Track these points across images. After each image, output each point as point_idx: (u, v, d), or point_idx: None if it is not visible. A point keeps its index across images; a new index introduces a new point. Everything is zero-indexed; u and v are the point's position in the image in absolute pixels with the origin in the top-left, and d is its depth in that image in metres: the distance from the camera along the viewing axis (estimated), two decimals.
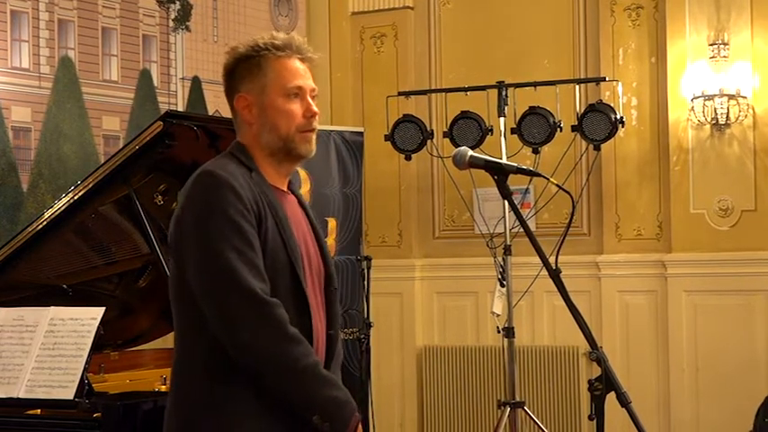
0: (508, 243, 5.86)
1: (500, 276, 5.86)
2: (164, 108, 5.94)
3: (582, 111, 6.03)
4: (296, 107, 2.65)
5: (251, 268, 2.49)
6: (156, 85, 6.09)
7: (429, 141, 6.31)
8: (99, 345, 3.62)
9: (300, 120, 2.65)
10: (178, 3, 6.28)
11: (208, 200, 2.53)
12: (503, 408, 5.78)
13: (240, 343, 2.48)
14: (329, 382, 2.54)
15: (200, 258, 2.52)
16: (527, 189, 6.36)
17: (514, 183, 3.02)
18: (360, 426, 2.57)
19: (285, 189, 2.73)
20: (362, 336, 6.15)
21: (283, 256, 2.57)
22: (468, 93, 6.23)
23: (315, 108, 2.68)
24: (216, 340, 2.51)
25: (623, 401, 2.65)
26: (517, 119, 6.05)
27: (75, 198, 3.76)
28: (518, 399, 5.84)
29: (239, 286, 2.47)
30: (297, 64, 2.67)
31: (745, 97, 6.19)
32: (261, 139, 2.66)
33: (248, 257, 2.49)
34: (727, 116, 6.17)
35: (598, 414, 2.69)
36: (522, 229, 2.87)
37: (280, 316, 2.50)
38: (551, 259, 2.78)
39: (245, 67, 2.66)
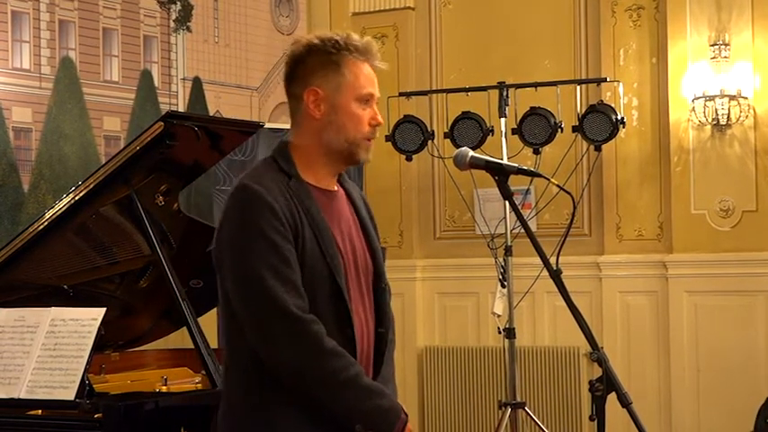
0: (509, 244, 5.86)
1: (501, 277, 5.86)
2: (164, 108, 5.94)
3: (583, 111, 6.03)
4: (365, 113, 2.66)
5: (286, 285, 2.50)
6: (156, 85, 6.09)
7: (430, 142, 6.30)
8: (100, 345, 3.61)
9: (366, 127, 2.66)
10: (179, 3, 6.28)
11: (242, 216, 2.54)
12: (503, 408, 5.78)
13: (278, 361, 2.51)
14: (372, 391, 2.56)
15: (236, 276, 2.54)
16: (528, 190, 6.36)
17: (515, 183, 3.02)
18: (407, 426, 2.59)
19: (333, 188, 2.72)
20: None
21: (322, 267, 2.57)
22: (468, 93, 6.22)
23: (380, 118, 2.69)
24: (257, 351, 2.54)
25: (624, 402, 2.65)
26: (518, 119, 6.05)
27: (76, 199, 3.75)
28: (519, 399, 5.84)
29: (274, 304, 2.48)
30: (370, 70, 2.68)
31: (745, 98, 6.19)
32: (323, 135, 2.65)
33: (284, 274, 2.50)
34: (728, 117, 6.17)
35: (599, 415, 2.69)
36: (522, 230, 2.87)
37: (316, 332, 2.51)
38: (552, 260, 2.77)
39: (320, 61, 2.64)
